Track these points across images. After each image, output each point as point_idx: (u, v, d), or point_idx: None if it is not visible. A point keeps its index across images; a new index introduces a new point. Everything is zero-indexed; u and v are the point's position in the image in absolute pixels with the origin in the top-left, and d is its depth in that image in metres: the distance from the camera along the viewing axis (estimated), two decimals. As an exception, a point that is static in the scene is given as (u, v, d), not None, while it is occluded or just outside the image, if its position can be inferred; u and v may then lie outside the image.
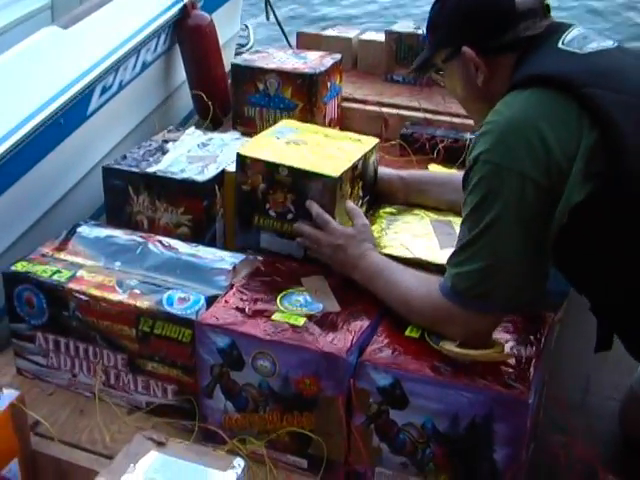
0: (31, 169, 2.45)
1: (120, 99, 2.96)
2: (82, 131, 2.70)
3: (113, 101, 2.90)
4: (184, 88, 3.47)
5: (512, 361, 1.62)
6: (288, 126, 2.21)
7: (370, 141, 2.14)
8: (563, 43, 1.67)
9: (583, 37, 1.70)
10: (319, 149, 2.04)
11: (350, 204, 1.96)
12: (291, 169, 1.94)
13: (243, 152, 2.01)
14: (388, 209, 2.16)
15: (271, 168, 1.96)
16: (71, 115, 2.61)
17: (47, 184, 2.55)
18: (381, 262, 1.82)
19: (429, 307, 1.68)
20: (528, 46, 1.70)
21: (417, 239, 1.97)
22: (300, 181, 1.93)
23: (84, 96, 2.68)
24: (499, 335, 1.69)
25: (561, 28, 1.72)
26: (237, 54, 4.39)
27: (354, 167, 1.99)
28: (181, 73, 3.45)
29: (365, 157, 2.07)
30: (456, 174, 2.15)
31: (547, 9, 1.76)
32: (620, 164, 1.52)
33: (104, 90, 2.82)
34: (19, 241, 2.36)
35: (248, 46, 4.91)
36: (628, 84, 1.61)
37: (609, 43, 1.70)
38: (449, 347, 1.63)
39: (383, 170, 2.24)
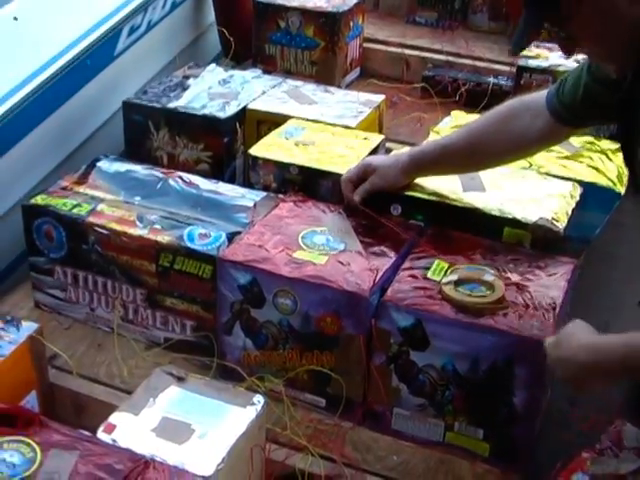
0: (58, 109, 2.43)
1: (148, 39, 2.91)
2: (109, 72, 2.66)
3: (141, 41, 2.85)
4: (213, 30, 3.41)
5: (536, 305, 1.61)
6: (296, 126, 2.21)
7: (376, 138, 2.18)
8: None
9: None
10: (328, 148, 2.10)
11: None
12: (302, 168, 2.01)
13: (254, 153, 2.07)
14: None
15: (282, 167, 2.01)
16: (98, 56, 2.58)
17: (73, 124, 2.52)
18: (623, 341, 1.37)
19: None
20: None
21: (440, 180, 1.94)
22: (310, 179, 2.01)
23: (111, 36, 2.64)
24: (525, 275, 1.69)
25: None
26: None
27: None
28: (210, 14, 3.39)
29: (372, 154, 2.10)
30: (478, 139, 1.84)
31: None
32: None
33: (132, 30, 2.77)
34: (45, 180, 2.35)
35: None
36: None
37: None
38: (459, 297, 1.60)
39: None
